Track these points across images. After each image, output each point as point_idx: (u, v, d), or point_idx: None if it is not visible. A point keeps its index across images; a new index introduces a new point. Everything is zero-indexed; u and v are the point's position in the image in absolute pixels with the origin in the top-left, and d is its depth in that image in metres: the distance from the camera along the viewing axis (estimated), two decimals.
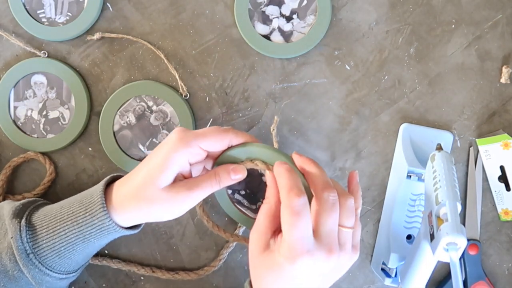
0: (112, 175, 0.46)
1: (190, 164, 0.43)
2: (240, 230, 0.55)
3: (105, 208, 0.42)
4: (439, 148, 0.49)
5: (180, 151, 0.41)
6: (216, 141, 0.42)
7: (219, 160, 0.44)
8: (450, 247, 0.41)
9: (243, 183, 0.47)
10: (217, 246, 0.56)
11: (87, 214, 0.42)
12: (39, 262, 0.43)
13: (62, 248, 0.43)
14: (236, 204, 0.47)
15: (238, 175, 0.43)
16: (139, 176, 0.42)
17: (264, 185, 0.46)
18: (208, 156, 0.44)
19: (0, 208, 0.46)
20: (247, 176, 0.46)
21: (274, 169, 0.41)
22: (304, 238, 0.37)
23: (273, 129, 0.51)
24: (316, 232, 0.38)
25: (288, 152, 0.55)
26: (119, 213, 0.43)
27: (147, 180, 0.41)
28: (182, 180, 0.43)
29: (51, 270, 0.44)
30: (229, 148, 0.43)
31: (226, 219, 0.56)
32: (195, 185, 0.42)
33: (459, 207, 0.43)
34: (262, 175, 0.46)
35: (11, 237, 0.42)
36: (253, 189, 0.47)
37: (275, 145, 0.52)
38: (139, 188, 0.42)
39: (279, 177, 0.40)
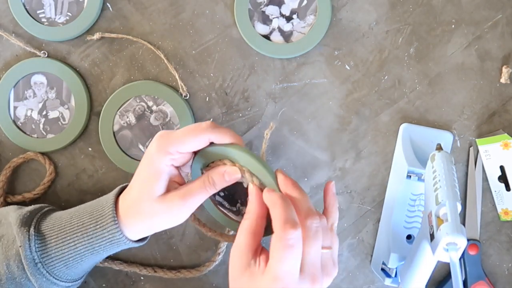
0: (121, 186, 0.46)
1: (177, 167, 0.43)
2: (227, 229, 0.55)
3: (116, 222, 0.42)
4: (439, 148, 0.49)
5: (162, 159, 0.41)
6: (193, 143, 0.41)
7: (200, 153, 0.43)
8: (450, 247, 0.41)
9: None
10: (217, 246, 0.56)
11: (98, 226, 0.43)
12: (47, 271, 0.43)
13: (70, 259, 0.43)
14: (218, 207, 0.47)
15: (232, 176, 0.42)
16: (133, 190, 0.43)
17: (239, 186, 0.45)
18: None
19: (6, 213, 0.46)
20: None
21: (265, 196, 0.40)
22: (292, 272, 0.37)
23: (267, 134, 0.49)
24: (300, 263, 0.38)
25: (287, 153, 0.55)
26: (127, 226, 0.43)
27: (140, 195, 0.42)
28: (176, 187, 0.43)
29: (58, 279, 0.44)
30: (213, 144, 0.43)
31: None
32: (188, 193, 0.42)
33: (459, 207, 0.43)
34: None
35: (20, 246, 0.42)
36: (230, 190, 0.46)
37: (264, 146, 0.51)
38: (136, 203, 0.42)
39: (273, 206, 0.39)
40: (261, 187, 0.42)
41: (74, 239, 0.43)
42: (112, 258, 0.56)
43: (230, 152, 0.42)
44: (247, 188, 0.43)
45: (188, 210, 0.42)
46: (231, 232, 0.54)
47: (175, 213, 0.41)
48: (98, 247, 0.43)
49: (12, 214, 0.45)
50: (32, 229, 0.43)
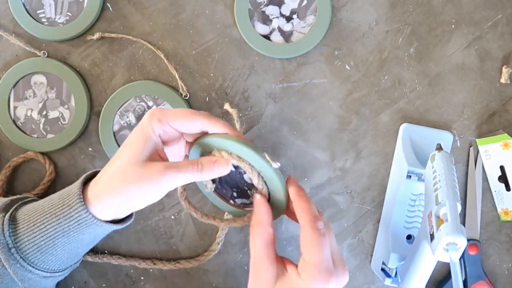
0: (94, 170, 0.45)
1: (163, 142, 0.43)
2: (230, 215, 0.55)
3: (82, 200, 0.41)
4: (439, 148, 0.49)
5: (151, 125, 0.41)
6: (186, 121, 0.42)
7: (197, 143, 0.43)
8: (450, 247, 0.41)
9: (229, 187, 0.46)
10: (216, 235, 0.56)
11: (65, 206, 0.42)
12: (21, 257, 0.42)
13: (42, 243, 0.42)
14: (245, 209, 0.46)
15: (221, 168, 0.42)
16: (115, 159, 0.42)
17: (241, 175, 0.45)
18: (186, 141, 0.45)
19: None
20: (228, 177, 0.45)
21: (294, 191, 0.41)
22: (329, 260, 0.38)
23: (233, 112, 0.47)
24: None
25: (287, 153, 0.55)
26: (96, 204, 0.42)
27: (123, 160, 0.41)
28: (159, 160, 0.42)
29: (33, 267, 0.43)
30: (212, 134, 0.42)
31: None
32: (173, 165, 0.41)
33: (459, 207, 0.43)
34: (236, 167, 0.45)
35: None
36: (238, 185, 0.46)
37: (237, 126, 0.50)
38: (115, 170, 0.41)
39: (301, 200, 0.40)
40: (263, 188, 0.42)
41: (44, 221, 0.42)
42: (111, 253, 0.56)
43: (226, 144, 0.42)
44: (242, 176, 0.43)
45: (166, 185, 0.40)
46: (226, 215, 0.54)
47: (153, 183, 0.40)
48: (67, 228, 0.42)
49: None
50: (7, 215, 0.43)
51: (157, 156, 0.42)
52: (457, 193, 0.44)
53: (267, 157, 0.41)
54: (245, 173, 0.44)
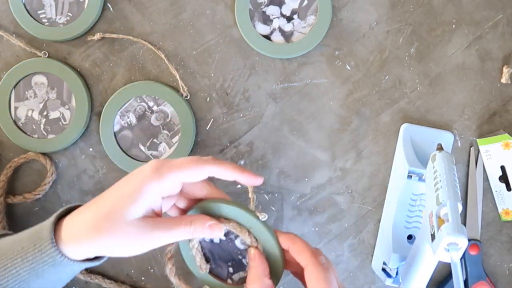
0: (68, 206, 0.41)
1: (162, 198, 0.40)
2: None
3: (54, 244, 0.38)
4: (440, 148, 0.49)
5: (153, 182, 0.38)
6: (192, 172, 0.39)
7: (196, 207, 0.42)
8: (451, 247, 0.41)
9: (223, 263, 0.44)
10: None
11: (36, 250, 0.38)
12: None
13: (16, 286, 0.39)
14: (244, 284, 0.43)
15: (214, 232, 0.40)
16: (103, 205, 0.38)
17: (232, 242, 0.43)
18: (183, 193, 0.42)
19: None
20: (220, 249, 0.43)
21: (285, 237, 0.40)
22: None
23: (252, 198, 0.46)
24: None
25: (288, 153, 0.55)
26: (72, 246, 0.38)
27: (113, 210, 0.37)
28: (152, 216, 0.39)
29: None
30: (212, 199, 0.41)
31: None
32: (165, 227, 0.38)
33: (460, 207, 0.43)
34: (226, 234, 0.43)
35: None
36: (232, 255, 0.43)
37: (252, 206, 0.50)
38: (102, 218, 0.38)
39: (296, 242, 0.39)
40: (257, 245, 0.41)
41: (15, 266, 0.39)
42: (102, 275, 0.56)
43: (222, 208, 0.41)
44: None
45: (156, 243, 0.38)
46: None
47: (142, 242, 0.38)
48: (42, 271, 0.38)
49: None
50: None
51: (150, 210, 0.39)
52: (458, 193, 0.44)
53: (256, 212, 0.40)
54: (236, 238, 0.42)
